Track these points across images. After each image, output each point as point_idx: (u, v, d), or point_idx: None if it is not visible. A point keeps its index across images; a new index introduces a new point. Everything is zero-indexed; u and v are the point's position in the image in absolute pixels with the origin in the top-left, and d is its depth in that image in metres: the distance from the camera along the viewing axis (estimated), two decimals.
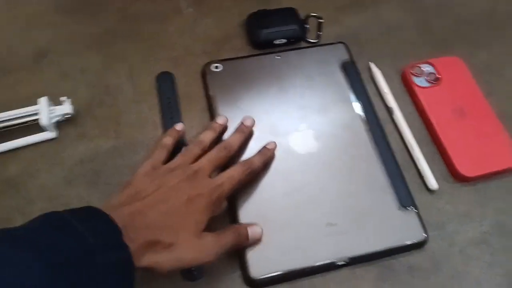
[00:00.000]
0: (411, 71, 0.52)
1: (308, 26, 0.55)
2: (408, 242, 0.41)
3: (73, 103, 0.48)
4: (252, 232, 0.40)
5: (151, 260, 0.33)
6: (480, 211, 0.45)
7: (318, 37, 0.55)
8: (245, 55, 0.53)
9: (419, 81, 0.51)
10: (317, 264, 0.40)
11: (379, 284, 0.41)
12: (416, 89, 0.50)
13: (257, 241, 0.40)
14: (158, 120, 0.49)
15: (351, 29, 0.57)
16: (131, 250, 0.31)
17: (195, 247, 0.35)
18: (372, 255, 0.41)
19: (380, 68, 0.53)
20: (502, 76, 0.54)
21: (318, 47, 0.53)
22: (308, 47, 0.54)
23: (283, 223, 0.42)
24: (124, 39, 0.55)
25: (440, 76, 0.51)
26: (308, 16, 0.56)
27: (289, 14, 0.54)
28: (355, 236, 0.41)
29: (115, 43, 0.55)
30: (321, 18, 0.56)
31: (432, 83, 0.51)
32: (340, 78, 0.51)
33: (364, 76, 0.53)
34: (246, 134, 0.45)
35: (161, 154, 0.41)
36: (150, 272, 0.34)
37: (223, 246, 0.37)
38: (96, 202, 0.43)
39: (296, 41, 0.54)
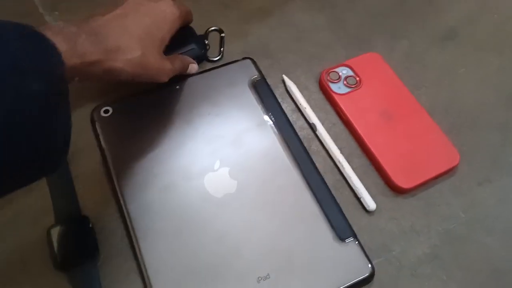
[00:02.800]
0: (328, 78, 0.46)
1: (207, 42, 0.48)
2: (354, 280, 0.36)
3: None
4: (191, 67, 0.45)
5: (117, 64, 0.34)
6: (425, 222, 0.41)
7: (220, 53, 0.49)
8: (142, 90, 0.46)
9: (337, 88, 0.46)
10: None
11: None
12: (336, 97, 0.45)
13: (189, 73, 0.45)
14: (44, 186, 0.41)
15: (259, 39, 0.51)
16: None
17: (158, 62, 0.38)
18: None
19: (296, 79, 0.47)
20: (426, 65, 0.51)
21: (222, 68, 0.47)
22: (211, 69, 0.47)
23: (206, 285, 0.35)
24: None
25: (359, 78, 0.46)
26: (207, 31, 0.49)
27: (184, 33, 0.47)
28: (293, 286, 0.35)
29: None
30: (222, 32, 0.49)
31: (352, 87, 0.46)
32: (251, 99, 0.45)
33: (280, 91, 0.47)
34: None
35: None
36: (108, 77, 0.34)
37: (174, 70, 0.41)
38: None
39: (199, 62, 0.47)
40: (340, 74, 0.47)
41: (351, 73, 0.47)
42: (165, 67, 0.39)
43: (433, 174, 0.41)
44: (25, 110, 0.25)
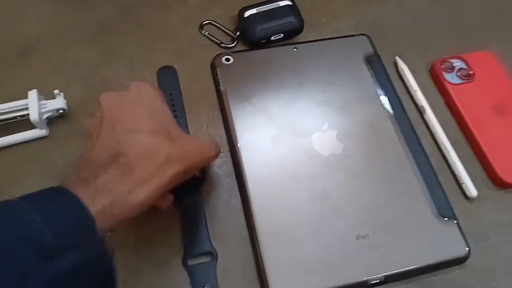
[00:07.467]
0: (442, 66, 0.47)
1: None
2: (450, 257, 0.37)
3: (66, 98, 0.43)
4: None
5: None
6: None
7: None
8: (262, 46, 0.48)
9: (451, 77, 0.46)
10: (348, 283, 0.35)
11: None
12: (448, 86, 0.46)
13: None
14: None
15: (373, 19, 0.52)
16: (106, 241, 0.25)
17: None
18: (410, 272, 0.36)
19: (406, 63, 0.48)
20: None
21: (339, 39, 0.48)
22: (327, 39, 0.49)
23: (307, 236, 0.36)
24: (122, 30, 0.49)
25: (472, 72, 0.46)
26: None
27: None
28: (390, 251, 0.36)
29: (112, 35, 0.49)
30: None
31: (464, 79, 0.46)
32: (364, 72, 0.46)
33: (390, 71, 0.48)
34: None
35: None
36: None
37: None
38: None
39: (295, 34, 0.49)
40: (454, 65, 0.47)
41: (464, 66, 0.47)
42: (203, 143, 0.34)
43: None
44: None
